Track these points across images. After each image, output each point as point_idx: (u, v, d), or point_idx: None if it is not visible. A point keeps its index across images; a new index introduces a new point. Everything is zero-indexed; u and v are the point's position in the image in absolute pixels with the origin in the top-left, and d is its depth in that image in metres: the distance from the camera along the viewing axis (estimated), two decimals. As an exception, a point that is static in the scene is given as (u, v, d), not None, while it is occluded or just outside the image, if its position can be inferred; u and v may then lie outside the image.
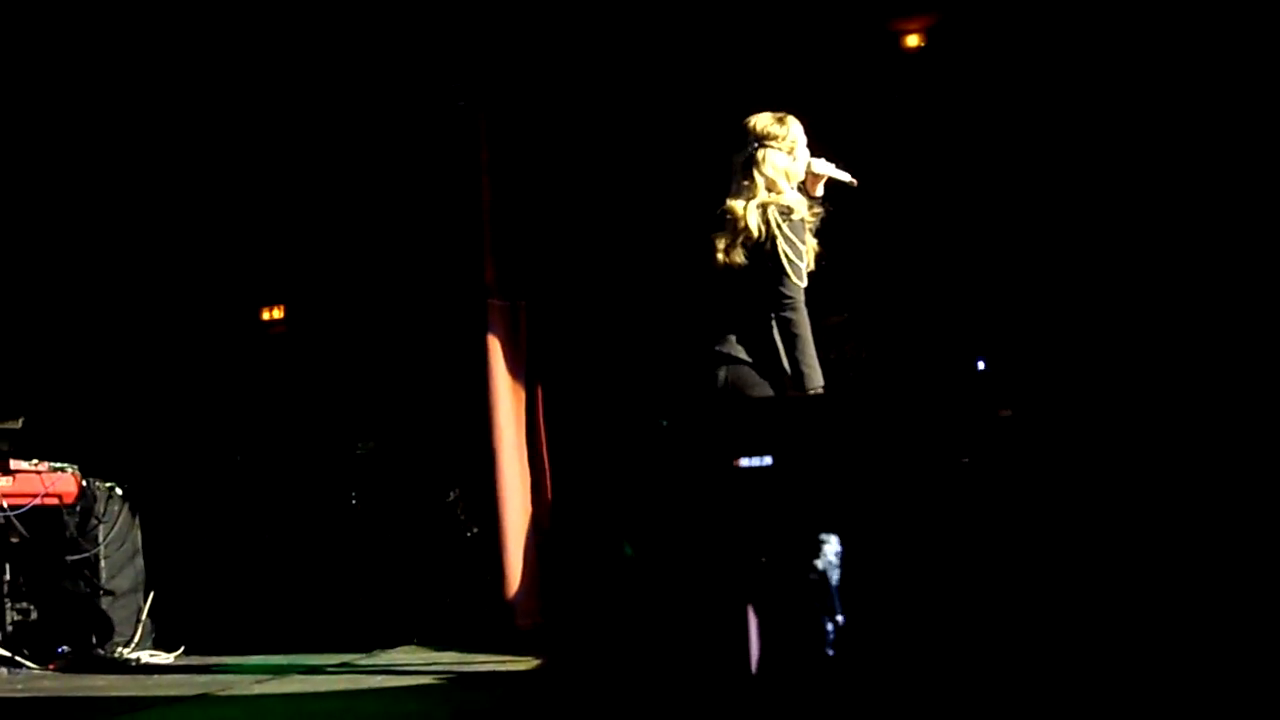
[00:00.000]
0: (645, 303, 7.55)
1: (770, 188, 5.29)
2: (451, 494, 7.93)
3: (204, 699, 6.09)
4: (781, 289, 5.15)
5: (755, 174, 5.33)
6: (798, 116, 5.49)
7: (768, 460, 4.38)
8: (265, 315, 8.99)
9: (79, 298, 8.71)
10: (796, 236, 5.20)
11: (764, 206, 5.23)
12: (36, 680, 6.93)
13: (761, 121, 5.40)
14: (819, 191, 5.47)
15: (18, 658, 7.19)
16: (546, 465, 7.70)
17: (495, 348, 7.54)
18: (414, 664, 6.92)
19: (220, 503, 8.52)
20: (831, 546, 4.33)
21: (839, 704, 4.19)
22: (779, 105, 5.56)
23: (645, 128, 7.66)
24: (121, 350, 8.70)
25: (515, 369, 7.65)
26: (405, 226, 8.18)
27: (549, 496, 7.69)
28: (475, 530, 7.79)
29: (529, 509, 7.63)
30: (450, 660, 6.97)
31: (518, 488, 7.57)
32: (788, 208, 5.24)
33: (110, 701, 6.15)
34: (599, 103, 7.75)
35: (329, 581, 8.12)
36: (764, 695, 4.23)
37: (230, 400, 8.73)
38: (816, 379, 5.11)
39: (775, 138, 5.38)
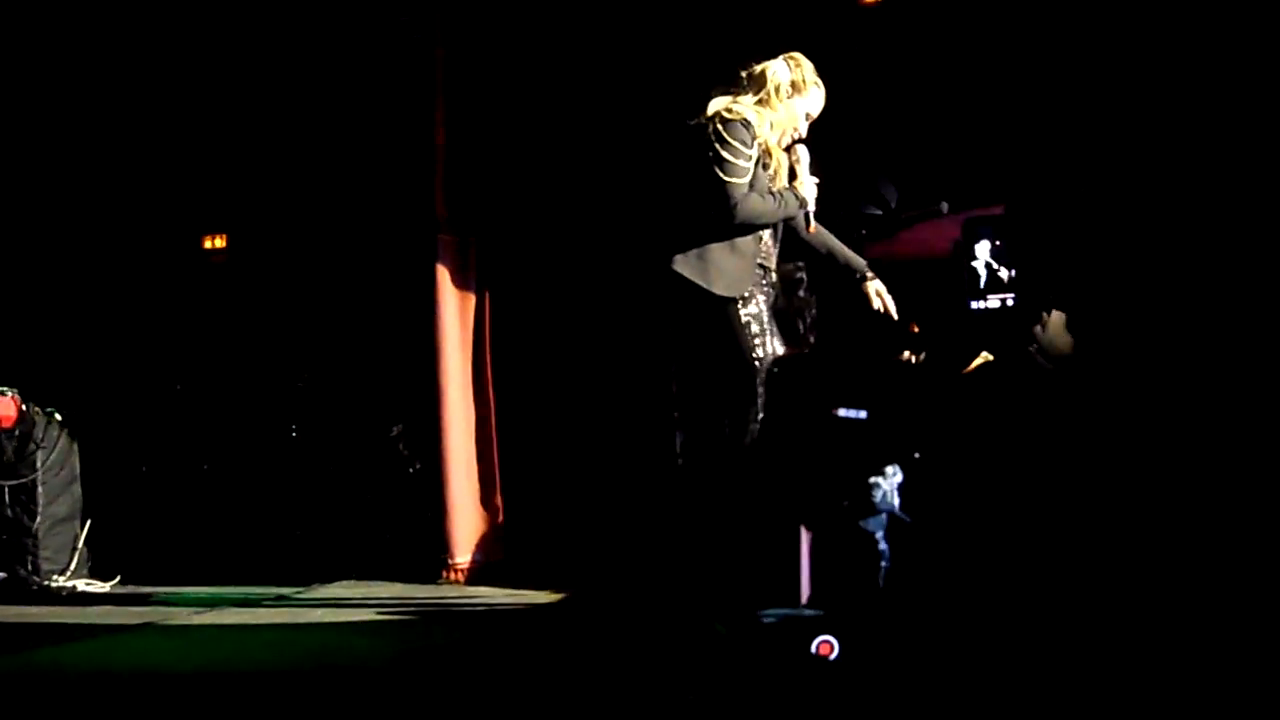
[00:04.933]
0: (601, 241, 7.51)
1: (760, 91, 5.39)
2: (394, 429, 7.89)
3: (146, 628, 6.04)
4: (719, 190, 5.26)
5: (753, 74, 5.43)
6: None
7: (863, 414, 4.54)
8: (207, 244, 8.86)
9: (17, 221, 8.55)
10: (735, 138, 5.26)
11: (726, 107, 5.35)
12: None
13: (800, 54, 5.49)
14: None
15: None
16: (492, 404, 7.66)
17: (444, 284, 7.47)
18: (353, 599, 6.90)
19: (159, 431, 8.43)
20: (894, 476, 4.48)
21: (887, 636, 4.29)
22: (733, 54, 5.61)
23: (605, 62, 7.58)
24: (62, 275, 8.56)
25: (464, 306, 7.59)
26: (355, 156, 8.06)
27: (494, 436, 7.66)
28: (417, 466, 7.76)
29: (473, 448, 7.60)
30: (390, 596, 6.95)
31: (463, 426, 7.53)
32: (736, 114, 5.30)
33: (49, 629, 6.09)
34: (559, 36, 7.67)
35: (267, 514, 8.08)
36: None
37: (170, 329, 8.61)
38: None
39: (798, 64, 5.43)
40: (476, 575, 7.45)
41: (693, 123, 5.42)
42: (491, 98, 7.69)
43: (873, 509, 4.50)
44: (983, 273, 6.04)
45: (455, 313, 7.54)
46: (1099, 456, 4.74)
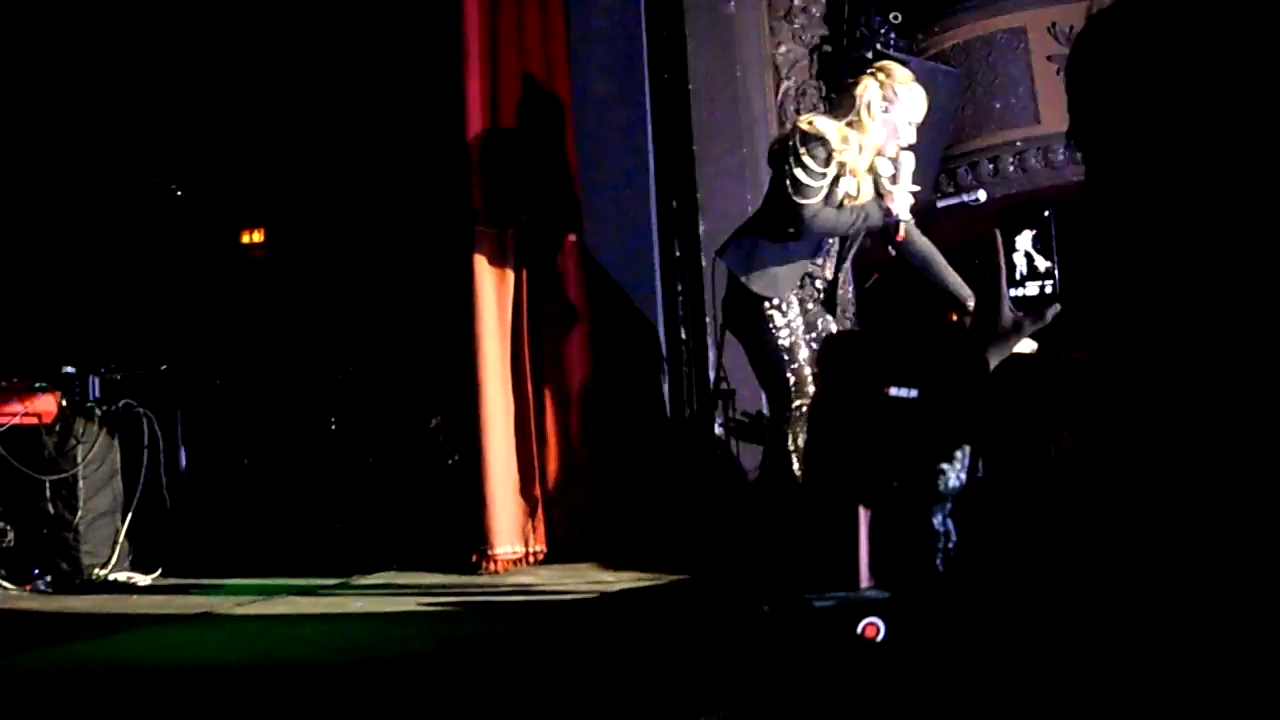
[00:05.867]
0: (639, 234, 7.51)
1: (851, 112, 5.28)
2: (433, 421, 7.91)
3: (186, 621, 6.07)
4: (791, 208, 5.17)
5: (844, 96, 5.33)
6: None
7: (914, 392, 4.49)
8: (245, 239, 8.90)
9: (62, 217, 8.60)
10: (811, 155, 5.18)
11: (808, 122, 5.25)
12: (15, 600, 6.92)
13: (891, 63, 5.40)
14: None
15: (-7, 578, 7.20)
16: (530, 395, 7.66)
17: (482, 276, 7.46)
18: (394, 590, 6.92)
19: (199, 426, 8.47)
20: (962, 455, 4.43)
21: (940, 619, 4.25)
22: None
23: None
24: (102, 271, 8.60)
25: (501, 297, 7.58)
26: (390, 150, 8.09)
27: (533, 426, 7.66)
28: (456, 458, 7.77)
29: (513, 438, 7.60)
30: (430, 587, 6.96)
31: (501, 417, 7.53)
32: (815, 130, 5.22)
33: (94, 620, 6.13)
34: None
35: (307, 506, 8.12)
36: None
37: (210, 324, 8.65)
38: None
39: (889, 76, 5.34)
40: (516, 566, 7.45)
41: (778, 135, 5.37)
42: (526, 87, 7.69)
43: (939, 496, 4.44)
44: (1021, 261, 6.00)
45: (493, 304, 7.53)
46: (1161, 446, 4.68)
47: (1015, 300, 5.92)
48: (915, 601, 4.32)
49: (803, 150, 5.20)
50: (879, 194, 5.38)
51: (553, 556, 7.63)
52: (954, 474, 4.49)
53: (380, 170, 8.17)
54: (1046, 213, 6.12)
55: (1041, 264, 6.01)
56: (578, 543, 7.68)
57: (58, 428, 7.39)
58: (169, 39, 8.49)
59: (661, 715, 3.96)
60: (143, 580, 7.43)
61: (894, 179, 5.36)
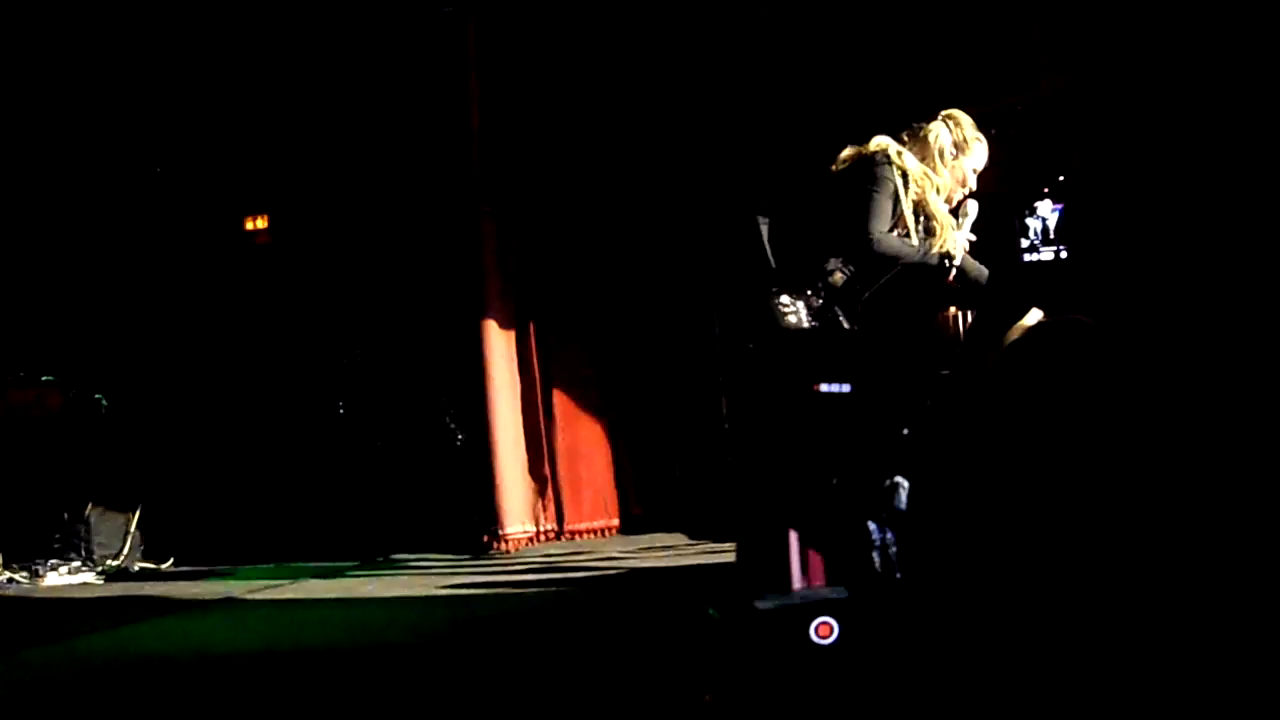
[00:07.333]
0: (639, 214, 7.49)
1: (923, 154, 5.19)
2: (441, 401, 7.91)
3: (200, 608, 6.08)
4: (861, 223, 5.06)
5: (918, 135, 5.23)
6: None
7: (846, 387, 4.43)
8: (249, 225, 8.87)
9: (64, 209, 8.58)
10: (890, 187, 5.08)
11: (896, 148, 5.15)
12: (29, 592, 6.93)
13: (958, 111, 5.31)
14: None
15: (7, 571, 7.20)
16: (537, 375, 7.67)
17: (485, 255, 7.48)
18: (405, 572, 6.93)
19: (208, 414, 8.47)
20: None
21: (891, 629, 4.20)
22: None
23: (636, 29, 7.53)
24: (107, 262, 8.58)
25: (505, 277, 7.59)
26: (392, 133, 8.05)
27: (540, 406, 7.67)
28: (461, 439, 7.78)
29: (520, 417, 7.61)
30: (441, 568, 6.98)
31: (509, 397, 7.54)
32: (899, 162, 5.11)
33: (112, 609, 6.15)
34: (588, 9, 7.63)
35: (318, 491, 8.12)
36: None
37: (216, 312, 8.63)
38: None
39: (957, 124, 5.26)
40: (528, 545, 7.46)
41: (850, 152, 5.22)
42: (524, 70, 7.66)
43: (892, 512, 4.35)
44: (1036, 225, 5.97)
45: (497, 282, 7.54)
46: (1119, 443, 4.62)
47: (1029, 265, 5.90)
48: (868, 601, 4.27)
49: (889, 178, 5.08)
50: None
51: (564, 533, 7.64)
52: (905, 490, 4.43)
53: (383, 152, 8.13)
54: (1060, 177, 6.07)
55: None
56: (590, 518, 7.69)
57: (66, 420, 7.40)
58: (169, 25, 8.44)
59: (667, 694, 3.97)
60: (155, 569, 7.45)
61: (957, 225, 5.28)
